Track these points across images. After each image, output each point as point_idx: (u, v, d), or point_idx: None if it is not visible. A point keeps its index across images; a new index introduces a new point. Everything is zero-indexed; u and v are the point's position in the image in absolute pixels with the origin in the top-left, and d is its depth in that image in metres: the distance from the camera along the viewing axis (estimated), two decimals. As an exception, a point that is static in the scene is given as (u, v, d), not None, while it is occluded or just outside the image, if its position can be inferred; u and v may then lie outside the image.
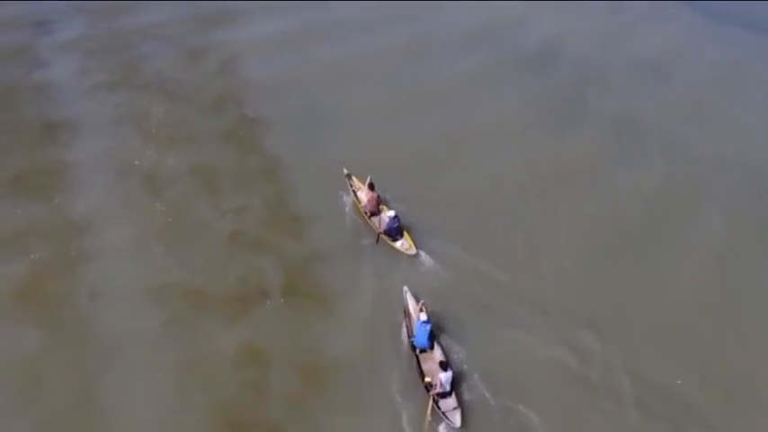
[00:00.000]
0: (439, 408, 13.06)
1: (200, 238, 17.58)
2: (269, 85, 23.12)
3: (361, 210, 17.64)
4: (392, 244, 16.68)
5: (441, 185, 19.20)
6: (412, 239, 16.78)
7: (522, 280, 16.26)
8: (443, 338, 14.73)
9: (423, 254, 16.73)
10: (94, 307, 15.68)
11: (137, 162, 19.84)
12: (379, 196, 17.46)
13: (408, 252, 16.49)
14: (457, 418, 12.91)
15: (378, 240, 16.76)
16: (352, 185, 18.36)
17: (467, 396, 13.59)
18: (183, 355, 14.73)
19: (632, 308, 15.87)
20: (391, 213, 16.73)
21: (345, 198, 18.51)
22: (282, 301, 15.98)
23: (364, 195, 17.61)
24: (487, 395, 13.58)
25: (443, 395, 13.23)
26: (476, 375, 13.97)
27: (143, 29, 26.37)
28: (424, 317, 14.18)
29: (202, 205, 18.57)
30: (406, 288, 15.48)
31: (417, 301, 14.98)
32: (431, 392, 13.23)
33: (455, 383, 13.55)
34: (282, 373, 14.41)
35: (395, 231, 16.70)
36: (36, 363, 14.49)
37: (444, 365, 13.47)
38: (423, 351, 14.22)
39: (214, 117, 21.85)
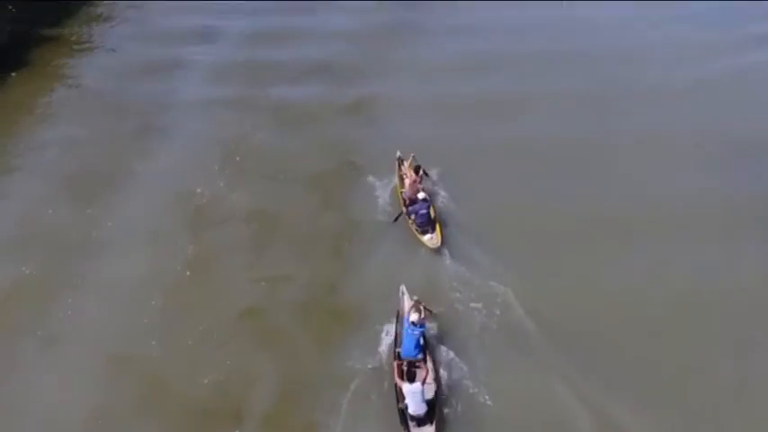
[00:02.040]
0: None
1: (209, 307, 13.30)
2: (399, 135, 18.01)
3: (400, 195, 15.29)
4: (420, 236, 14.30)
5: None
6: (441, 234, 14.27)
7: (564, 325, 12.40)
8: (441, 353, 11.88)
9: (447, 252, 14.02)
10: (37, 358, 12.28)
11: (199, 190, 16.30)
12: (421, 181, 15.20)
13: (431, 244, 14.07)
14: None
15: (397, 218, 14.68)
16: (401, 170, 15.94)
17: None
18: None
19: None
20: (421, 195, 14.57)
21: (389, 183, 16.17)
22: (256, 438, 10.82)
23: (408, 180, 15.31)
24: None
25: (419, 421, 10.44)
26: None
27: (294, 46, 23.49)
28: (414, 317, 11.42)
29: (237, 263, 14.32)
30: (403, 288, 12.57)
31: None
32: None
33: (434, 407, 10.61)
34: None
35: (424, 219, 14.30)
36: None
37: (411, 376, 10.70)
38: (411, 363, 11.23)
39: (314, 155, 17.57)
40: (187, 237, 14.92)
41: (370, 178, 16.53)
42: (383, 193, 16.07)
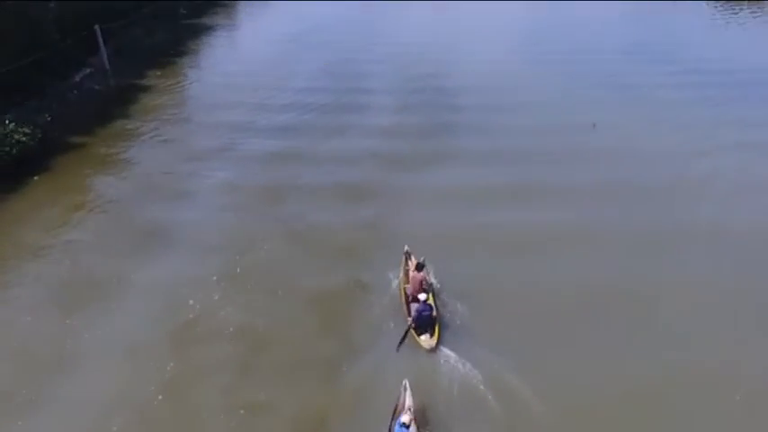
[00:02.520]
0: None
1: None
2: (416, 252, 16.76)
3: (404, 291, 14.83)
4: (416, 338, 13.64)
5: None
6: (439, 335, 13.67)
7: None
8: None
9: (445, 350, 13.35)
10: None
11: (191, 302, 15.14)
12: (424, 279, 14.58)
13: (426, 345, 13.47)
14: None
15: (404, 338, 13.61)
16: (408, 265, 15.44)
17: None
18: None
19: None
20: (422, 296, 14.03)
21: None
22: None
23: (412, 273, 14.84)
24: None
25: None
26: None
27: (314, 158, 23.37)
28: (406, 419, 11.08)
29: (217, 386, 12.78)
30: (406, 382, 11.93)
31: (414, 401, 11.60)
32: None
33: None
34: None
35: (425, 321, 13.77)
36: None
37: None
38: None
39: (320, 273, 16.32)
40: (167, 354, 13.54)
41: (376, 298, 15.15)
42: (388, 317, 14.57)
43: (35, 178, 21.54)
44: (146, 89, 32.19)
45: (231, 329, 14.26)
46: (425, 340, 13.55)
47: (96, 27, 30.40)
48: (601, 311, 14.74)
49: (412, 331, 13.66)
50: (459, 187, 20.83)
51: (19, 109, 25.26)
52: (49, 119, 24.94)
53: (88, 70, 31.84)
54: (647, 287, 15.65)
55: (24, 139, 22.12)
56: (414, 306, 13.96)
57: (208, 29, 47.19)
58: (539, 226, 18.23)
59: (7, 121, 22.16)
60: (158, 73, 34.98)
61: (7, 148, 21.43)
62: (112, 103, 29.48)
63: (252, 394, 12.54)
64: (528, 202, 19.80)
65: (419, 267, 14.67)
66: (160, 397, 12.42)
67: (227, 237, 18.15)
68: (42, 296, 15.51)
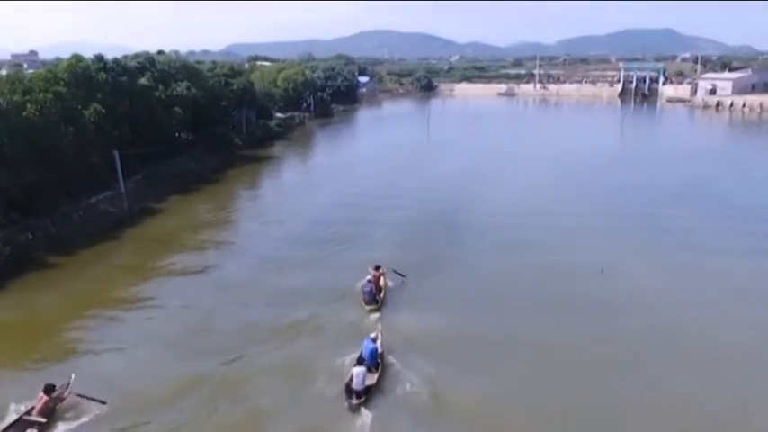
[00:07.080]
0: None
1: None
2: None
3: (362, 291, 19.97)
4: (363, 304, 19.47)
5: None
6: (377, 309, 19.29)
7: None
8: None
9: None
10: None
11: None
12: (381, 277, 20.22)
13: (367, 307, 19.33)
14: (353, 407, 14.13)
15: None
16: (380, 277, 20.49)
17: None
18: None
19: None
20: (368, 276, 19.92)
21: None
22: None
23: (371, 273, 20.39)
24: None
25: (357, 393, 14.32)
26: None
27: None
28: (373, 334, 16.28)
29: None
30: (380, 326, 17.35)
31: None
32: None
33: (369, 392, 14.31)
34: None
35: (368, 294, 19.53)
36: None
37: (359, 360, 15.29)
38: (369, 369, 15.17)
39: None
40: None
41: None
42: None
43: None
44: (157, 213, 32.52)
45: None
46: (368, 307, 19.19)
47: (115, 152, 31.43)
48: None
49: (361, 299, 19.59)
50: (409, 336, 17.89)
51: (13, 226, 25.75)
52: (30, 237, 25.06)
53: (109, 193, 32.67)
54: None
55: (-21, 256, 22.07)
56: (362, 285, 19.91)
57: (257, 159, 48.46)
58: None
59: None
60: (182, 198, 35.41)
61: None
62: (118, 226, 29.49)
63: None
64: (486, 367, 16.40)
65: (376, 267, 20.43)
66: None
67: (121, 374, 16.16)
68: None
